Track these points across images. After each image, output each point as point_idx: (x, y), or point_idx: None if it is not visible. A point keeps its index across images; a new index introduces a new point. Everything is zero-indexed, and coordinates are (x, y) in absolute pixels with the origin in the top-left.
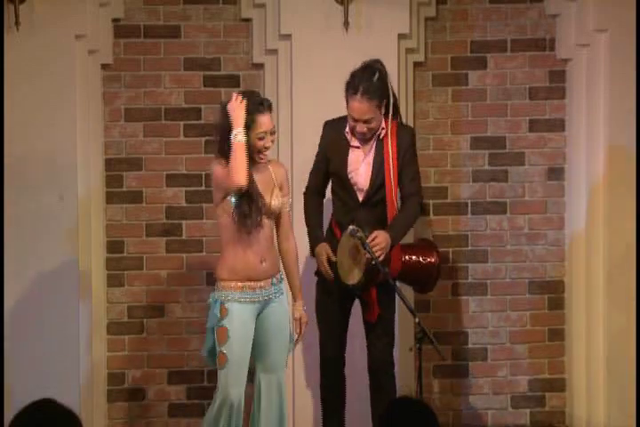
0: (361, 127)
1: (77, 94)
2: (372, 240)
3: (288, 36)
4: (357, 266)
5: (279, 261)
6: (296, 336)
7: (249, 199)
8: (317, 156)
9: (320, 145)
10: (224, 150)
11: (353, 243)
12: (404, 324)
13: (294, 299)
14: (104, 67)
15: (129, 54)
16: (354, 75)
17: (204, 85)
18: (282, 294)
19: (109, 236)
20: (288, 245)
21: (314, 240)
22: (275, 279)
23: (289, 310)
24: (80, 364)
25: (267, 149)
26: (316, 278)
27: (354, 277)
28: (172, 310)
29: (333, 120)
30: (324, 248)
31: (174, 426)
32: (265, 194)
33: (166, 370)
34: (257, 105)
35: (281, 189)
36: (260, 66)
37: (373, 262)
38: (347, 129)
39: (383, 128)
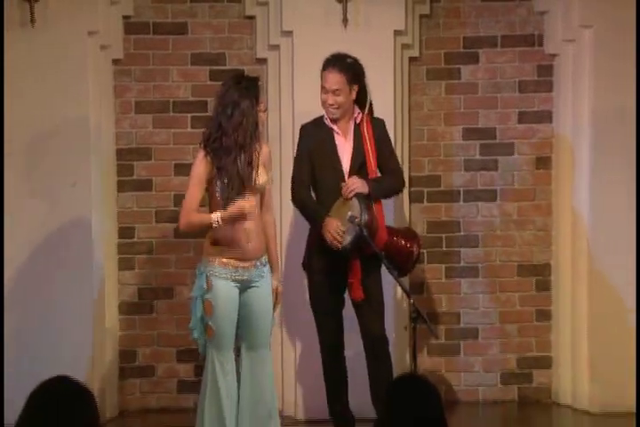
0: (330, 99)
1: (90, 88)
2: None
3: (290, 33)
4: (348, 232)
5: (264, 244)
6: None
7: (235, 180)
8: (298, 157)
9: (299, 146)
10: (209, 143)
11: (346, 210)
12: (399, 304)
13: (272, 271)
14: (115, 62)
15: (139, 50)
16: (327, 59)
17: (210, 79)
18: (263, 277)
19: (121, 222)
20: (268, 217)
21: (320, 215)
22: (259, 262)
23: (271, 293)
24: (93, 342)
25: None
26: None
27: (345, 239)
28: (181, 292)
29: (309, 122)
30: (334, 220)
31: (183, 402)
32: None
33: (175, 349)
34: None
35: (264, 166)
36: (263, 61)
37: (364, 232)
38: (325, 116)
39: (359, 113)
